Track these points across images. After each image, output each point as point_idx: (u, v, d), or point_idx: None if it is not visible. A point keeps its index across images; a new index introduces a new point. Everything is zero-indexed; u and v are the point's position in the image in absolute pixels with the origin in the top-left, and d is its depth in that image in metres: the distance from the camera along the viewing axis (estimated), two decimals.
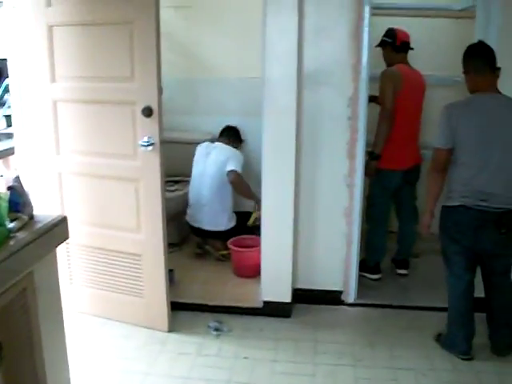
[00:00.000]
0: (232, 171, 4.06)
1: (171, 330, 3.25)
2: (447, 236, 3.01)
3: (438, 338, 3.20)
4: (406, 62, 3.85)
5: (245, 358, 3.04)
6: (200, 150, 4.30)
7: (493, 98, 2.87)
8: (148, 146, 2.97)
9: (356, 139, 3.35)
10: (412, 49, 3.86)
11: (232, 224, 4.19)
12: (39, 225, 2.00)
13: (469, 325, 3.03)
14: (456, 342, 3.06)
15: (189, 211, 4.26)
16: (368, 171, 3.64)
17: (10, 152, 3.61)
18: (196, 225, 4.22)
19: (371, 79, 3.39)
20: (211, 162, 4.16)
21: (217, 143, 4.31)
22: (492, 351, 3.09)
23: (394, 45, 3.83)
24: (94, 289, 3.37)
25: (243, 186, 4.13)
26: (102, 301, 3.36)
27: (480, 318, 3.09)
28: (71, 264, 3.38)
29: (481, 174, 2.84)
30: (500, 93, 2.90)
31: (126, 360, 3.00)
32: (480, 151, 2.84)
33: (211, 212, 4.13)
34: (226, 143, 4.29)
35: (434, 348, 3.16)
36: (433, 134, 3.05)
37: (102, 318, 3.37)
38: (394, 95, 3.69)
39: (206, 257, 4.26)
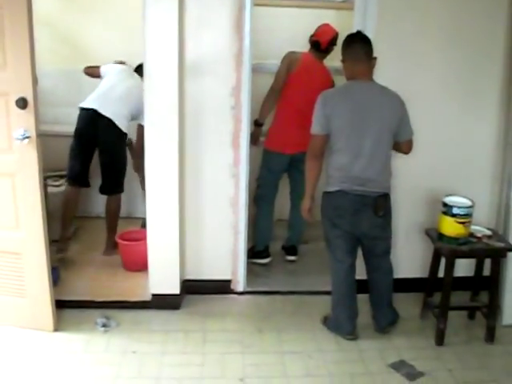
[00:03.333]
0: (142, 126, 3.89)
1: (57, 329, 3.14)
2: (328, 221, 3.10)
3: (325, 321, 3.30)
4: (318, 58, 3.96)
5: (133, 352, 2.99)
6: (115, 70, 4.21)
7: (367, 86, 2.98)
8: (24, 139, 2.84)
9: (240, 129, 3.37)
10: (323, 47, 3.93)
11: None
12: None
13: (352, 306, 3.15)
14: (341, 324, 3.17)
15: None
16: (252, 138, 3.72)
17: None
18: (95, 106, 3.97)
19: (254, 70, 3.42)
20: (125, 87, 4.09)
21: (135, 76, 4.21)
22: (375, 329, 3.25)
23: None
24: None
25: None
26: None
27: (363, 299, 3.23)
28: None
29: (356, 160, 2.94)
30: (374, 81, 3.01)
31: (9, 363, 2.88)
32: (354, 138, 2.93)
33: (117, 104, 4.01)
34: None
35: (321, 330, 3.26)
36: None
37: None
38: (287, 76, 3.85)
39: (91, 252, 4.13)
